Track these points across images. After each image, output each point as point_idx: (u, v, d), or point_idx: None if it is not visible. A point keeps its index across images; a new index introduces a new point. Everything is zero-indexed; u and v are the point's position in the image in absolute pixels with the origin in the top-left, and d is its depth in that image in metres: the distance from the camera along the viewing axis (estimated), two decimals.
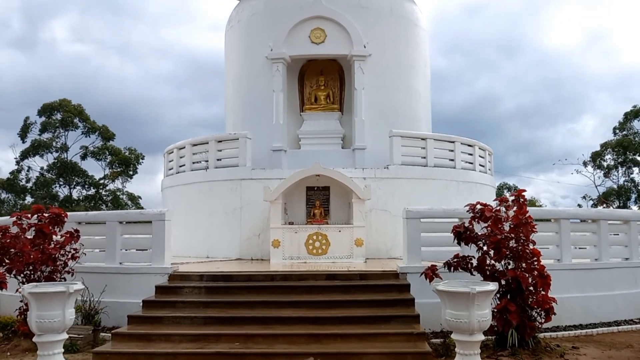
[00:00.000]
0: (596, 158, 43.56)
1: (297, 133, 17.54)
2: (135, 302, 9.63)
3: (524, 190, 8.32)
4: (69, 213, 11.02)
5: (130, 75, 72.72)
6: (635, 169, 42.72)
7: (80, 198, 44.76)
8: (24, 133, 43.45)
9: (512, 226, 8.21)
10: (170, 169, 17.36)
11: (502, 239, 7.91)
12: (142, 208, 42.35)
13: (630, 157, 42.02)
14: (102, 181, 44.96)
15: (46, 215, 9.63)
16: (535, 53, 74.82)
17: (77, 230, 9.77)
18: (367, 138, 16.62)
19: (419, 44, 18.72)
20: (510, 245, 8.10)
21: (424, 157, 15.57)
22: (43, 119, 43.37)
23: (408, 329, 8.10)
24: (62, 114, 43.33)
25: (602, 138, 74.38)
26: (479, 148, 17.19)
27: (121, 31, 72.34)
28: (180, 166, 16.70)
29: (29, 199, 43.59)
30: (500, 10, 74.94)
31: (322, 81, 18.08)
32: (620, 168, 43.35)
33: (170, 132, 73.32)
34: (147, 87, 73.82)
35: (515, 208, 8.29)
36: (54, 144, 43.83)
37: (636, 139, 41.97)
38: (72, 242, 9.70)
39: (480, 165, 17.15)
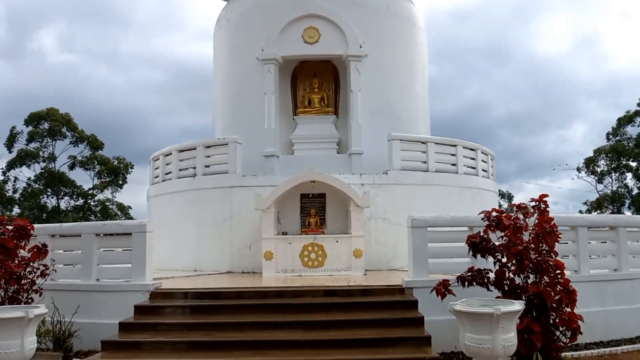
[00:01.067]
0: (590, 164, 43.27)
1: (290, 138, 16.64)
2: (112, 324, 8.63)
3: (546, 195, 7.44)
4: (41, 225, 10.06)
5: (119, 85, 71.80)
6: (629, 175, 42.40)
7: (69, 209, 43.71)
8: (10, 143, 42.42)
9: (533, 235, 7.31)
10: (156, 177, 16.40)
11: (524, 250, 7.01)
12: (131, 218, 41.34)
13: (624, 163, 41.67)
14: (91, 191, 43.93)
15: (9, 227, 8.61)
16: (525, 60, 74.91)
17: (45, 245, 8.77)
18: (364, 142, 15.74)
19: (417, 44, 17.91)
20: (532, 256, 7.19)
21: (425, 162, 14.70)
22: (30, 128, 42.37)
23: (419, 354, 7.15)
24: (49, 123, 42.38)
25: (592, 144, 75.02)
26: (482, 152, 16.35)
27: (109, 40, 71.43)
28: (167, 174, 15.73)
29: (16, 210, 42.52)
30: (490, 18, 74.99)
31: (315, 83, 17.21)
32: (613, 174, 43.02)
33: (159, 141, 72.38)
34: (135, 97, 72.91)
35: (536, 215, 7.40)
36: (41, 153, 42.84)
37: (630, 144, 41.63)
38: (40, 257, 8.69)
39: (482, 170, 16.31)
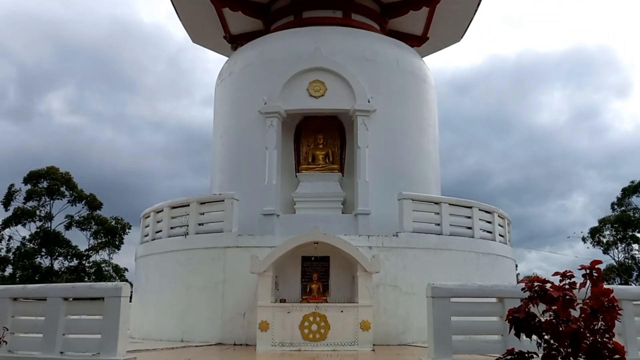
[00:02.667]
0: (595, 234, 42.18)
1: (291, 196, 15.47)
2: None
3: (599, 262, 6.11)
4: (2, 287, 8.71)
5: (124, 147, 71.68)
6: (635, 246, 41.12)
7: (62, 270, 42.31)
8: (7, 201, 41.51)
9: (586, 311, 5.93)
10: (145, 236, 15.12)
11: (580, 330, 5.61)
12: (127, 281, 39.57)
13: (630, 234, 40.56)
14: (86, 252, 42.70)
15: None
16: (524, 130, 75.44)
17: None
18: (372, 202, 14.61)
19: (428, 102, 17.08)
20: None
21: (439, 224, 13.49)
22: (29, 186, 41.64)
23: None
24: (48, 182, 41.73)
25: (592, 214, 74.59)
26: (498, 216, 15.11)
27: (116, 104, 72.05)
28: (157, 232, 14.47)
29: (8, 270, 41.12)
30: (489, 89, 75.83)
31: (320, 139, 16.22)
32: (619, 244, 41.84)
33: (160, 202, 71.06)
34: (140, 159, 72.60)
35: (588, 286, 6.04)
36: (38, 212, 41.90)
37: (636, 215, 40.64)
38: None
39: (500, 235, 15.01)
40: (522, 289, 6.26)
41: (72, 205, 42.20)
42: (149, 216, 14.97)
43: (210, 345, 12.05)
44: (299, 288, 12.13)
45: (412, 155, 16.01)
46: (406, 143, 15.92)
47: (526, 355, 6.15)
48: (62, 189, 42.18)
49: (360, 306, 11.03)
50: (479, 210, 14.33)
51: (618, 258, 41.94)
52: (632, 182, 41.21)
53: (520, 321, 5.92)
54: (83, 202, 42.64)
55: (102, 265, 43.75)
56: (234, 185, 15.00)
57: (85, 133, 67.84)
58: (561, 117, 75.86)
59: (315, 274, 12.17)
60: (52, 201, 42.35)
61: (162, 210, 14.32)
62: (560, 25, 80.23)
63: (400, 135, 15.81)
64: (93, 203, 42.60)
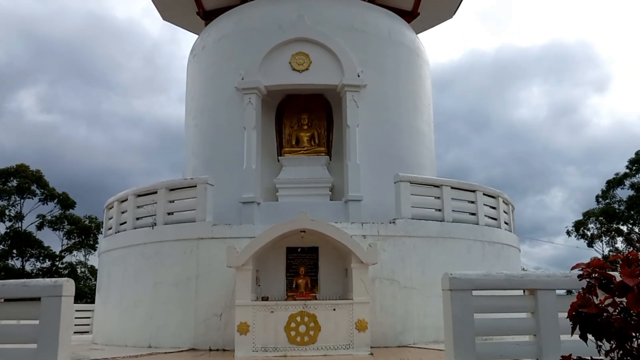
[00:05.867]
0: (579, 227, 41.54)
1: (273, 182, 13.89)
2: None
3: None
4: None
5: (99, 145, 69.67)
6: (620, 239, 40.49)
7: (34, 271, 40.48)
8: None
9: None
10: (109, 228, 13.44)
11: None
12: None
13: (615, 227, 39.92)
14: (60, 253, 40.88)
15: None
16: (503, 126, 75.28)
17: None
18: (363, 187, 13.06)
19: (422, 78, 15.62)
20: None
21: (440, 210, 12.05)
22: None
23: None
24: (18, 180, 39.79)
25: (571, 210, 74.68)
26: (503, 201, 13.72)
27: (91, 101, 70.03)
28: (121, 224, 12.79)
29: None
30: (468, 85, 75.30)
31: (305, 119, 14.65)
32: (604, 237, 41.20)
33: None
34: (116, 157, 70.67)
35: None
36: (7, 212, 39.97)
37: (620, 207, 39.98)
38: None
39: (505, 222, 13.62)
40: (579, 276, 4.75)
41: (43, 204, 40.55)
42: (113, 206, 13.28)
43: (182, 351, 10.49)
44: (283, 284, 10.62)
45: (406, 136, 14.56)
46: (400, 122, 14.45)
47: None
48: (33, 187, 40.44)
49: (356, 303, 9.50)
50: (484, 194, 12.92)
51: (603, 251, 41.39)
52: (617, 174, 40.60)
53: (588, 319, 4.40)
54: (55, 201, 40.95)
55: (77, 266, 42.10)
56: (209, 170, 13.38)
57: (59, 131, 65.82)
58: (540, 113, 75.90)
59: (302, 267, 10.64)
60: (22, 200, 40.62)
61: (127, 200, 12.64)
62: (540, 20, 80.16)
63: (394, 114, 14.34)
64: (65, 202, 40.91)
